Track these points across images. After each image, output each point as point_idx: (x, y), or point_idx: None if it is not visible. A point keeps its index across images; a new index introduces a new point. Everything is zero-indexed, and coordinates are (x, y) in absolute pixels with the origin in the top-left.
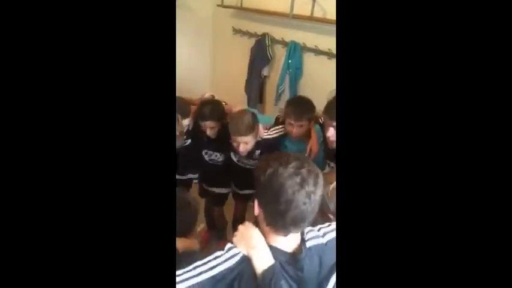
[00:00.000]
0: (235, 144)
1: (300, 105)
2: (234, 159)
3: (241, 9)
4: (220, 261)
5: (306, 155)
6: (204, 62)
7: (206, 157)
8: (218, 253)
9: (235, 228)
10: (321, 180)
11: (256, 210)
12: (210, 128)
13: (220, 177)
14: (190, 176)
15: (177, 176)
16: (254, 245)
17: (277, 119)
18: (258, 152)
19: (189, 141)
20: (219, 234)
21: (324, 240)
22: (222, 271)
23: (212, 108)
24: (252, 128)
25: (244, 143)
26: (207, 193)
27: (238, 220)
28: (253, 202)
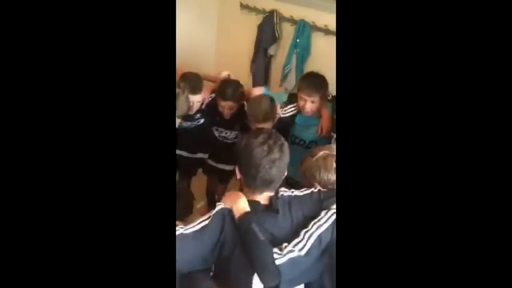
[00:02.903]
0: (252, 127)
1: (314, 81)
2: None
3: None
4: (210, 215)
5: (317, 134)
6: (208, 38)
7: (216, 133)
8: (209, 213)
9: None
10: (286, 149)
11: (238, 174)
12: (229, 108)
13: (229, 154)
14: (201, 155)
15: (187, 154)
16: (235, 200)
17: (290, 96)
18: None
19: (202, 120)
20: None
21: (292, 194)
22: (212, 222)
23: (235, 89)
24: (270, 115)
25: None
26: (213, 169)
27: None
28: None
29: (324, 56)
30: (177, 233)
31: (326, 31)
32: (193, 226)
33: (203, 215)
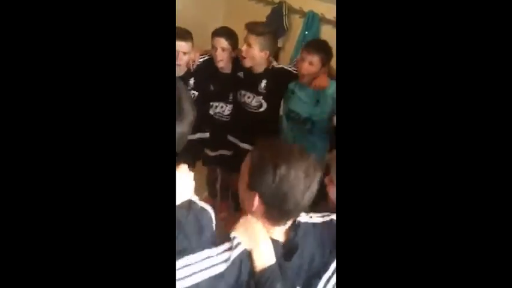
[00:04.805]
0: (243, 49)
1: (316, 43)
2: (242, 99)
3: None
4: (227, 258)
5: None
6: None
7: (211, 111)
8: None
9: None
10: (320, 174)
11: (256, 205)
12: (222, 48)
13: (226, 135)
14: (200, 135)
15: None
16: (256, 240)
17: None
18: (264, 82)
19: (196, 93)
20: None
21: (310, 221)
22: (229, 271)
23: (227, 29)
24: (270, 37)
25: (249, 45)
26: (212, 159)
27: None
28: (248, 194)
29: (332, 49)
30: (182, 274)
31: (335, 23)
32: (202, 269)
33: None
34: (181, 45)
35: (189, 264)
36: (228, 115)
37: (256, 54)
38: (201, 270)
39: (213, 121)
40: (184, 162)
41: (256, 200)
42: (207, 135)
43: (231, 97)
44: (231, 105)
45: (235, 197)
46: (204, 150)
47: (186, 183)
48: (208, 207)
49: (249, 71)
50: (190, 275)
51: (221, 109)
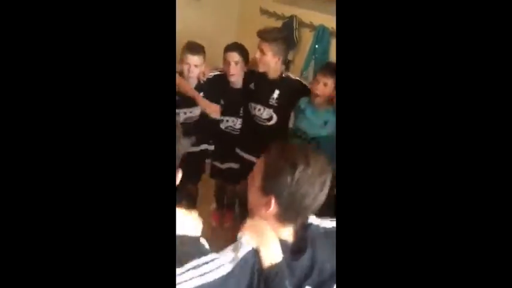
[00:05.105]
0: (256, 56)
1: (332, 65)
2: (253, 112)
3: None
4: (234, 257)
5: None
6: (228, 42)
7: (222, 126)
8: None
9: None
10: (331, 173)
11: (272, 206)
12: (235, 62)
13: (235, 148)
14: (205, 146)
15: (192, 149)
16: (265, 240)
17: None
18: (276, 93)
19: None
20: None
21: (320, 226)
22: (237, 270)
23: (239, 44)
24: (282, 43)
25: (262, 52)
26: (219, 172)
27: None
28: (263, 196)
29: None
30: (185, 277)
31: None
32: (211, 270)
33: (215, 219)
34: (193, 59)
35: (192, 268)
36: (238, 129)
37: (269, 60)
38: (205, 273)
39: (223, 134)
40: (180, 206)
41: (273, 203)
42: (211, 147)
43: (241, 111)
44: (241, 120)
45: (241, 206)
46: (209, 162)
47: (188, 225)
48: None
49: (262, 79)
50: (191, 279)
51: (232, 123)
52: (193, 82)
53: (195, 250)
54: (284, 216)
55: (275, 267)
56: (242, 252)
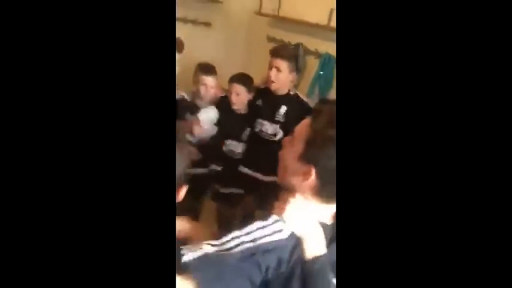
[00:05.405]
0: (271, 74)
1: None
2: (259, 128)
3: (278, 18)
4: (265, 234)
5: None
6: (235, 69)
7: (225, 148)
8: (260, 223)
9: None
10: None
11: (312, 176)
12: (236, 93)
13: (237, 174)
14: (214, 167)
15: (199, 170)
16: (311, 227)
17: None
18: (283, 109)
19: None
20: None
21: None
22: (265, 245)
23: (242, 75)
24: (295, 62)
25: (278, 69)
26: (221, 196)
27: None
28: (306, 168)
29: None
30: (208, 249)
31: None
32: (234, 244)
33: (216, 239)
34: (208, 79)
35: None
36: (239, 153)
37: (286, 77)
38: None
39: (224, 157)
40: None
41: (313, 174)
42: (218, 168)
43: (243, 136)
44: (244, 144)
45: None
46: (213, 185)
47: None
48: None
49: (270, 95)
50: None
51: (234, 147)
52: (208, 97)
53: None
54: (324, 193)
55: (319, 260)
56: (286, 231)
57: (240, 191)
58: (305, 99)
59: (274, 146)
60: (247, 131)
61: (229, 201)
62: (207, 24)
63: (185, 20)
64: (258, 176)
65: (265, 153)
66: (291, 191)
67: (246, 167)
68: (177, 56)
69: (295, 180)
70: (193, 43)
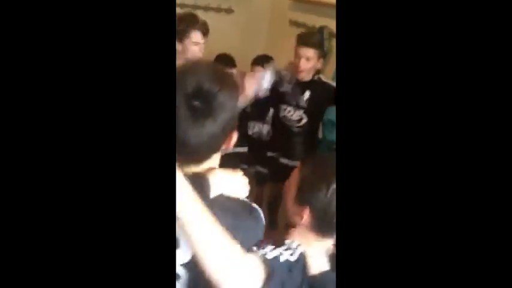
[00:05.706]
0: (300, 64)
1: None
2: (283, 114)
3: (299, 1)
4: (283, 251)
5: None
6: (257, 54)
7: (249, 132)
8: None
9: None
10: None
11: (305, 218)
12: (306, 58)
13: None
14: (239, 149)
15: (224, 151)
16: (313, 247)
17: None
18: (307, 94)
19: None
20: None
21: None
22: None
23: (265, 57)
24: (322, 48)
25: (307, 59)
26: (251, 176)
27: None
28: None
29: None
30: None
31: None
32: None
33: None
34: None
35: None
36: (266, 134)
37: (313, 65)
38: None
39: (251, 140)
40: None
41: (307, 214)
42: (245, 149)
43: (267, 117)
44: (268, 125)
45: (271, 213)
46: (240, 165)
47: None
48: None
49: (295, 81)
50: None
51: (258, 128)
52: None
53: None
54: (319, 228)
55: (322, 276)
56: (297, 252)
57: (265, 170)
58: (328, 81)
59: (300, 131)
60: (271, 112)
61: (257, 180)
62: (229, 10)
63: (207, 8)
64: (285, 161)
65: (289, 139)
66: (294, 226)
67: (271, 151)
68: (202, 40)
69: (294, 219)
70: (216, 29)
